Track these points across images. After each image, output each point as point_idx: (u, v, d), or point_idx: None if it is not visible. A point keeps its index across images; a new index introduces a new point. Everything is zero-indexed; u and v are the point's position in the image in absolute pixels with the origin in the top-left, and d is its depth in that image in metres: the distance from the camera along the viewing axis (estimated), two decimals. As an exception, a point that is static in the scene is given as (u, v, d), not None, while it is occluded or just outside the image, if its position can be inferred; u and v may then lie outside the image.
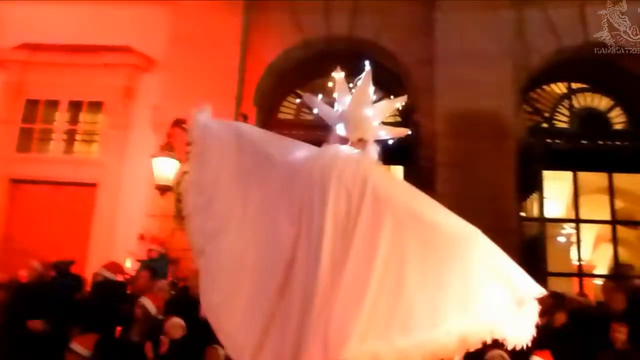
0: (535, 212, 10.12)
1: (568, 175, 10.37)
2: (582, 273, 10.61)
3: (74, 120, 9.86)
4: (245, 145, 3.12)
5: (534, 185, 9.75)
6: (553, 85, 10.47)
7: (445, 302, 2.71)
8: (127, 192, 9.07)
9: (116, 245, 8.65)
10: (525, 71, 9.32)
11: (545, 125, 10.27)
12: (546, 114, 10.33)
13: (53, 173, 9.33)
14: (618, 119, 10.32)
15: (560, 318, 5.81)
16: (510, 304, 2.76)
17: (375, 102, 3.19)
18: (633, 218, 10.96)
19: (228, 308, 2.80)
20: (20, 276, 6.95)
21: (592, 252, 12.26)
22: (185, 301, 6.28)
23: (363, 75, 3.11)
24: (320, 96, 3.34)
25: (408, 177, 9.25)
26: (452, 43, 9.11)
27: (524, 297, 2.78)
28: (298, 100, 9.47)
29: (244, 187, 2.99)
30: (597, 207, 10.61)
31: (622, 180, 10.52)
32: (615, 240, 10.30)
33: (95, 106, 9.82)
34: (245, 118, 9.19)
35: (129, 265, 7.93)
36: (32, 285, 6.66)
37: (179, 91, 8.78)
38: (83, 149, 9.88)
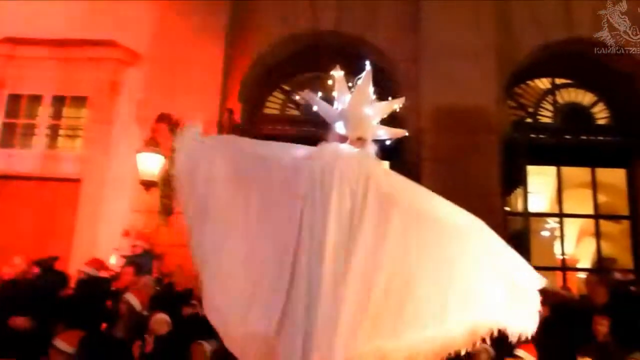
0: (519, 207, 10.23)
1: (552, 170, 10.49)
2: (565, 267, 10.74)
3: (57, 115, 9.74)
4: (238, 152, 3.09)
5: (518, 180, 9.85)
6: (537, 81, 10.56)
7: (454, 295, 2.76)
8: (112, 188, 8.99)
9: (100, 241, 8.60)
10: (509, 66, 9.37)
11: (529, 120, 10.35)
12: (530, 109, 10.42)
13: (36, 168, 9.22)
14: (601, 114, 10.43)
15: (543, 312, 5.87)
16: (514, 294, 2.84)
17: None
18: (616, 212, 11.08)
19: (233, 311, 2.78)
20: (2, 273, 6.87)
21: (575, 246, 12.39)
22: (170, 297, 6.27)
23: (363, 74, 3.13)
24: (319, 94, 3.34)
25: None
26: (437, 38, 9.14)
27: (526, 287, 2.88)
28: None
29: (242, 192, 2.95)
30: (580, 201, 10.74)
31: (605, 175, 10.66)
32: (598, 234, 10.45)
33: (79, 101, 9.71)
34: (230, 113, 9.17)
35: (114, 261, 7.89)
36: (15, 282, 6.60)
37: (164, 86, 8.75)
38: (67, 144, 9.78)
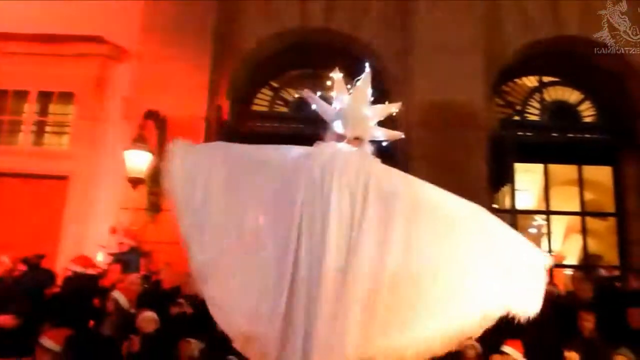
0: (507, 204, 10.28)
1: (539, 167, 10.56)
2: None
3: (43, 111, 9.66)
4: (235, 157, 3.10)
5: (506, 178, 9.89)
6: (524, 79, 10.61)
7: (464, 284, 2.80)
8: (99, 185, 8.93)
9: (88, 239, 8.54)
10: (497, 64, 9.41)
11: (516, 118, 10.40)
12: (518, 107, 10.47)
13: (22, 165, 9.13)
14: (588, 112, 10.51)
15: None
16: (518, 274, 2.88)
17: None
18: (602, 210, 11.17)
19: (235, 311, 2.79)
20: (-11, 271, 6.82)
21: (562, 243, 12.47)
22: (157, 294, 6.25)
23: (363, 75, 3.20)
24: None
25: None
26: (426, 36, 9.16)
27: (531, 264, 2.93)
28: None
29: (241, 196, 2.95)
30: (567, 198, 10.82)
31: (592, 172, 10.74)
32: (584, 231, 10.52)
33: (66, 97, 9.63)
34: (219, 109, 9.13)
35: (101, 258, 7.85)
36: (1, 280, 6.55)
37: (151, 82, 8.69)
38: (53, 141, 9.69)
